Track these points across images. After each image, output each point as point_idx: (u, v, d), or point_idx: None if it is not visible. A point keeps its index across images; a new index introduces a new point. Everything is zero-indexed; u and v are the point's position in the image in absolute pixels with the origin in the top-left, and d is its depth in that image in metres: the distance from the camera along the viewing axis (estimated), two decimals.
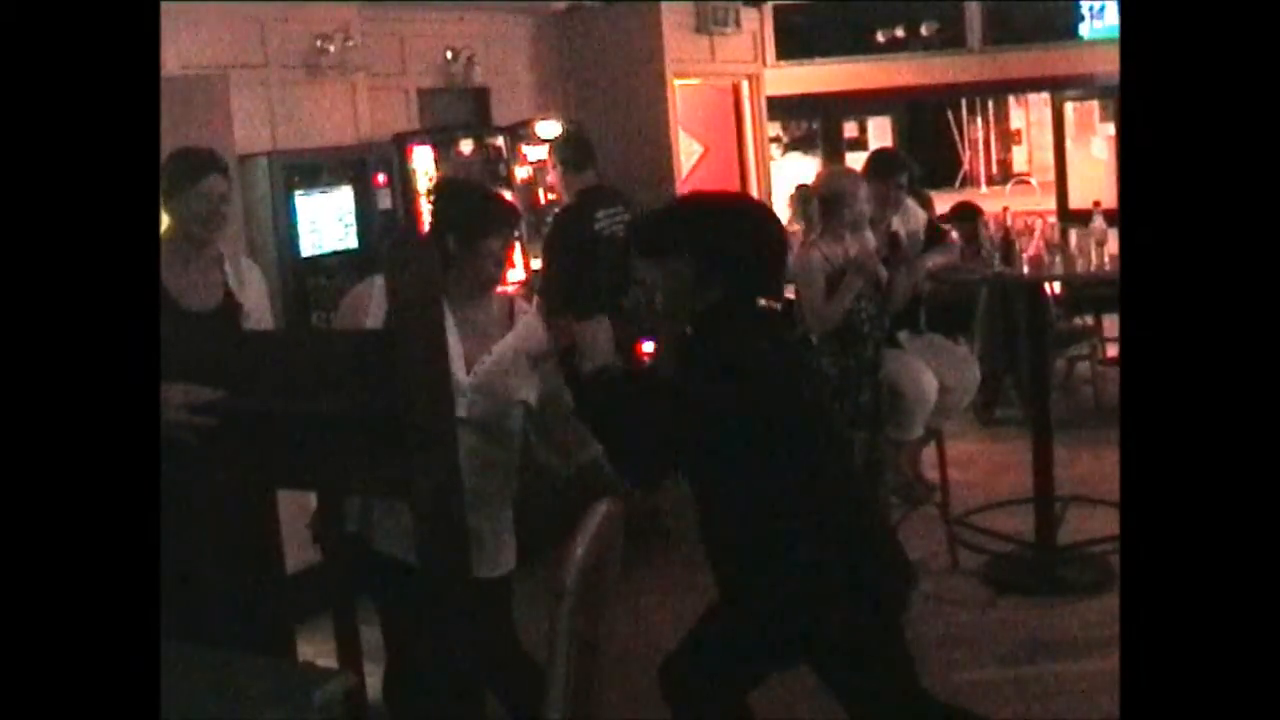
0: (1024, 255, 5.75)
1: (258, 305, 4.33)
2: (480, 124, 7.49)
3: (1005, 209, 7.49)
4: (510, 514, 3.83)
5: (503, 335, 3.78)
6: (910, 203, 6.40)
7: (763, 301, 3.57)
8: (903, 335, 5.87)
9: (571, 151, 6.59)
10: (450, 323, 3.56)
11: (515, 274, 6.79)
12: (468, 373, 3.67)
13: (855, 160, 7.92)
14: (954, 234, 6.65)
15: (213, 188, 4.15)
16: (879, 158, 6.46)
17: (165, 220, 4.24)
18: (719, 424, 3.28)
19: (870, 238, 5.61)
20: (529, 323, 3.88)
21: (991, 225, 7.91)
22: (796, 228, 5.86)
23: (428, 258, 3.06)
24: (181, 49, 5.70)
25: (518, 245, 6.71)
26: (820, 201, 5.53)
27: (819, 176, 5.79)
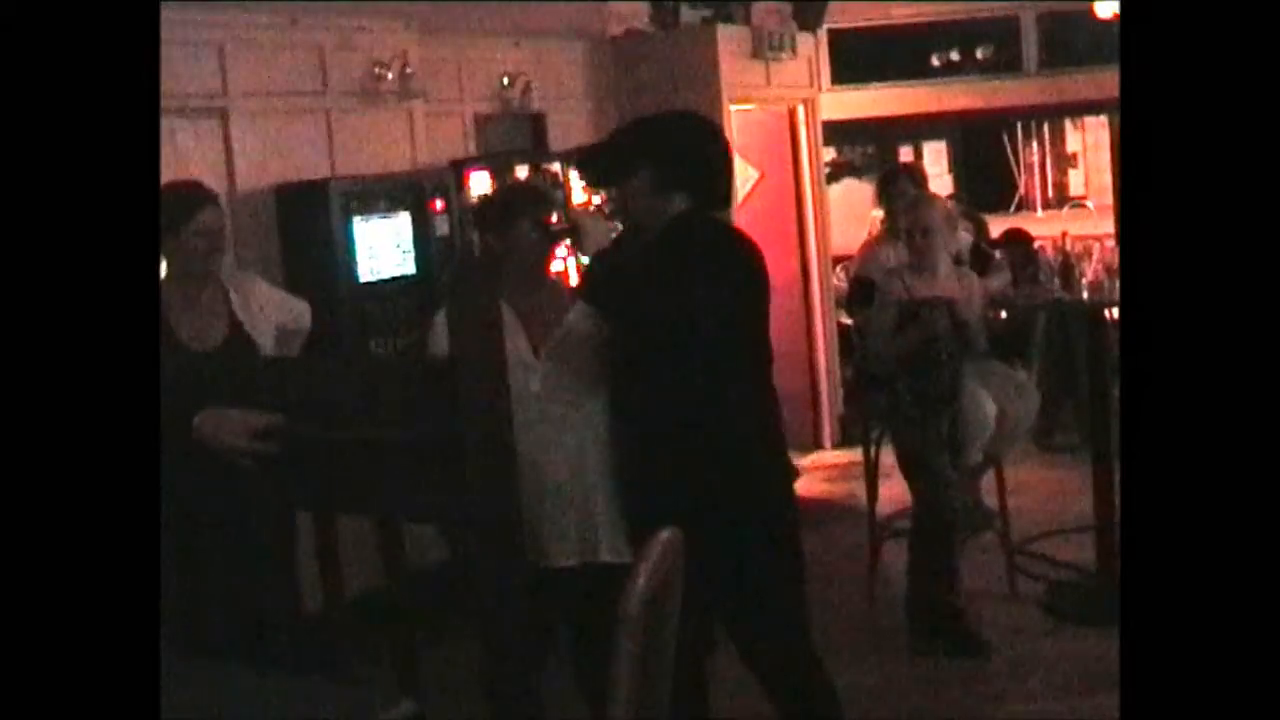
0: (1083, 280, 5.71)
1: (265, 325, 4.18)
2: (537, 149, 7.51)
3: (1064, 233, 7.44)
4: (607, 496, 3.83)
5: (561, 320, 3.87)
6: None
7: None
8: None
9: None
10: (510, 317, 3.63)
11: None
12: (536, 355, 3.74)
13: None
14: (998, 255, 6.65)
15: (209, 221, 4.05)
16: (883, 175, 6.59)
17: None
18: (677, 322, 3.54)
19: (975, 280, 5.53)
20: (586, 308, 3.92)
21: (1049, 249, 7.87)
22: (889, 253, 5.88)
23: (488, 284, 3.07)
24: (239, 76, 5.75)
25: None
26: (907, 234, 5.47)
27: (913, 205, 5.68)
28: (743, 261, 3.79)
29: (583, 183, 5.33)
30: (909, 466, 5.47)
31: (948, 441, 5.35)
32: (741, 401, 3.74)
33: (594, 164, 4.18)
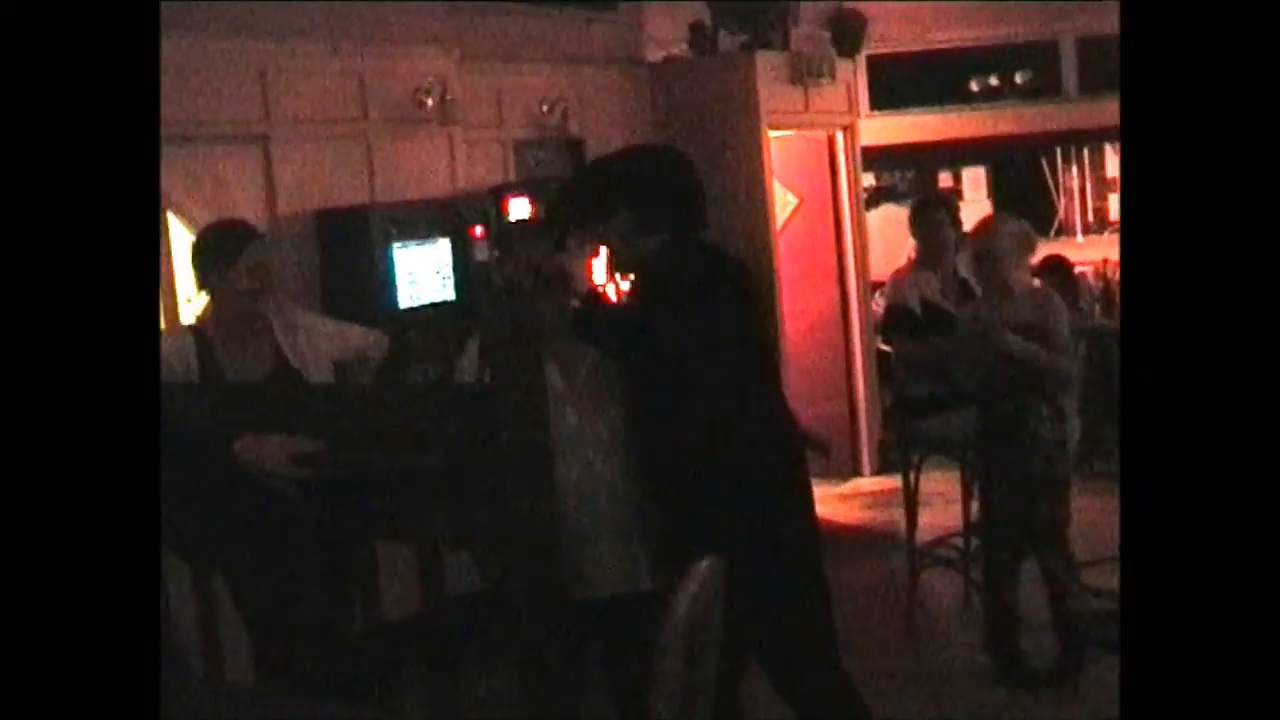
0: None
1: (315, 360, 4.22)
2: None
3: (1105, 259, 7.41)
4: (646, 522, 3.83)
5: (587, 351, 3.86)
6: None
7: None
8: None
9: None
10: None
11: None
12: (567, 385, 3.74)
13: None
14: (1036, 283, 6.60)
15: (257, 258, 4.09)
16: (916, 204, 6.56)
17: (206, 299, 4.21)
18: (678, 355, 3.56)
19: (1056, 301, 5.42)
20: None
21: (1090, 275, 7.82)
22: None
23: (527, 311, 3.07)
24: (281, 103, 5.79)
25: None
26: (975, 258, 5.39)
27: (982, 228, 5.57)
28: (730, 279, 3.83)
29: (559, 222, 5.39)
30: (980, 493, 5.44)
31: (1019, 471, 5.21)
32: (752, 421, 3.75)
33: (567, 204, 4.20)
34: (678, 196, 3.80)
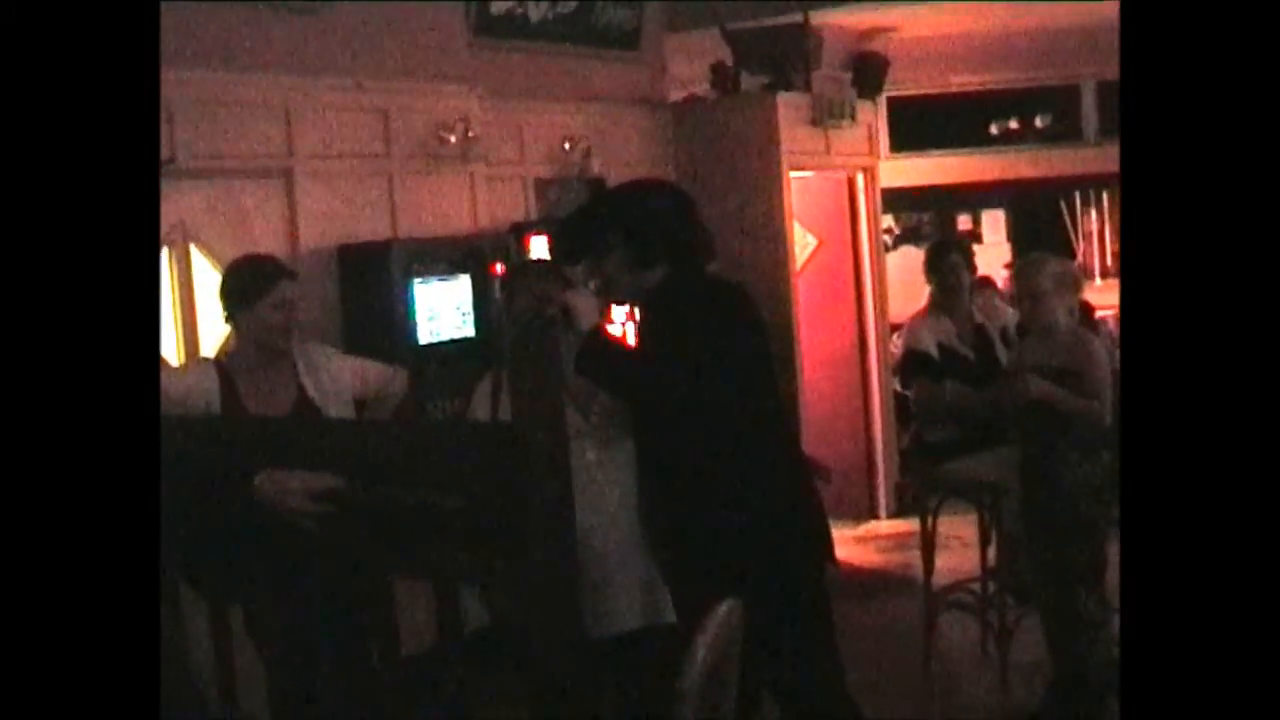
0: None
1: (336, 396, 4.25)
2: None
3: None
4: (657, 559, 3.83)
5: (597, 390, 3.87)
6: (997, 300, 6.37)
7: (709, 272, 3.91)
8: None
9: None
10: None
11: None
12: (587, 418, 3.74)
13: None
14: None
15: (285, 295, 4.12)
16: (931, 249, 6.56)
17: (229, 333, 4.21)
18: (681, 391, 3.52)
19: (1093, 343, 5.36)
20: None
21: (1110, 320, 7.78)
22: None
23: (553, 348, 3.06)
24: (305, 138, 5.82)
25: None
26: (1016, 299, 5.34)
27: (1024, 268, 5.48)
28: (733, 310, 3.79)
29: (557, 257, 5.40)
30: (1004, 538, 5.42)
31: (1050, 516, 5.15)
32: (759, 449, 3.73)
33: (565, 240, 4.20)
34: (675, 230, 3.78)
